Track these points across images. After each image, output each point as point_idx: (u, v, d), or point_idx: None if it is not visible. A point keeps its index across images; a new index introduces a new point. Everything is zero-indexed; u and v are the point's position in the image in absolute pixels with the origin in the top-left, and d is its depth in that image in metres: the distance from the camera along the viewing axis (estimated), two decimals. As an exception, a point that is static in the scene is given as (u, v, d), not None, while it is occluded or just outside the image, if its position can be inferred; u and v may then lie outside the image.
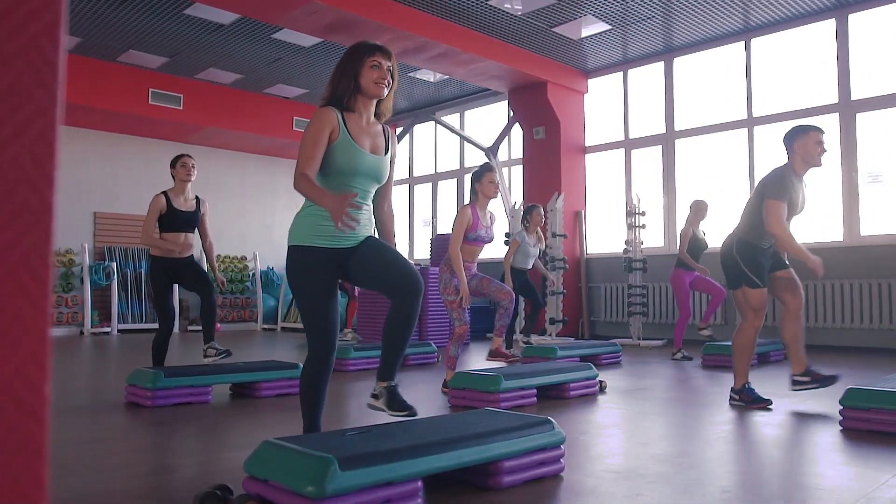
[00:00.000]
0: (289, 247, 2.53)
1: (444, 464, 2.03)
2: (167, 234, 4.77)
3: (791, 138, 3.98)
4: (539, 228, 6.92)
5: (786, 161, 4.00)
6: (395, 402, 2.42)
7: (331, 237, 2.46)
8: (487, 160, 4.79)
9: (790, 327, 4.01)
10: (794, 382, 4.03)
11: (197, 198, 4.94)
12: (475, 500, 2.15)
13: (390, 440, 2.02)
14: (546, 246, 7.25)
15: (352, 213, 2.49)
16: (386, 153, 2.62)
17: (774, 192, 3.86)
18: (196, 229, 4.92)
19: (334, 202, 2.27)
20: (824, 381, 3.94)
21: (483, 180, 4.58)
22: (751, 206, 4.03)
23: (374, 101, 2.59)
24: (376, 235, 2.69)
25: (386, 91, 2.55)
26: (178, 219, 4.78)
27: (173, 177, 4.87)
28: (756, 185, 4.07)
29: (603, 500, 2.15)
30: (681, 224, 9.34)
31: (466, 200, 4.70)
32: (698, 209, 6.72)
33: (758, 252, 3.96)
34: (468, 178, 11.91)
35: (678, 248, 6.75)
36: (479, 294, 4.57)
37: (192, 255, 4.90)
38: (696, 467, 2.58)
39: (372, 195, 2.64)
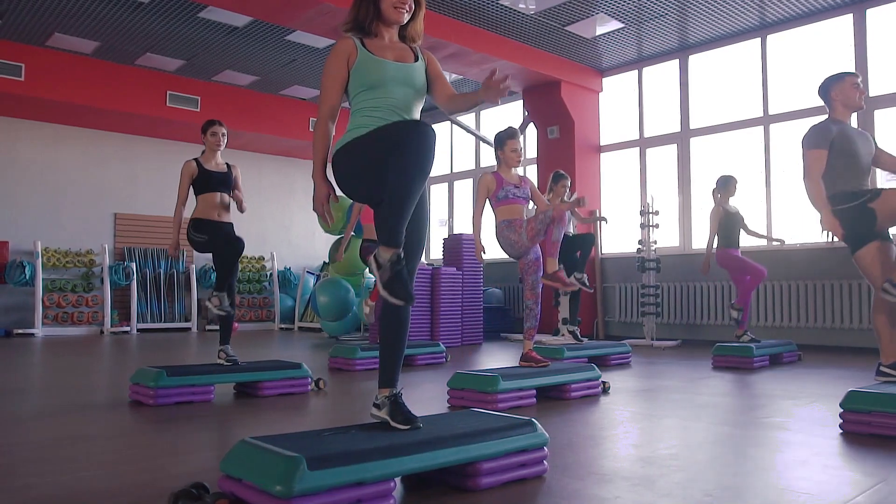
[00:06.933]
0: (333, 159, 2.46)
1: (417, 465, 2.03)
2: (203, 196, 4.82)
3: (826, 89, 3.90)
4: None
5: (827, 116, 3.91)
6: (400, 414, 2.32)
7: (379, 119, 2.40)
8: (512, 126, 4.65)
9: (879, 313, 3.78)
10: (880, 373, 3.81)
11: (227, 164, 4.98)
12: (452, 501, 2.15)
13: (365, 440, 2.02)
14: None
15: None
16: (416, 61, 2.57)
17: (809, 142, 3.82)
18: (231, 193, 4.95)
19: (321, 192, 2.42)
20: None
21: (505, 148, 4.43)
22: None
23: (396, 28, 2.58)
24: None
25: (406, 17, 2.54)
26: (211, 179, 4.82)
27: (204, 143, 4.93)
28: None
29: (582, 503, 2.14)
30: (695, 223, 9.28)
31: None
32: (728, 185, 6.57)
33: (846, 201, 3.78)
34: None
35: (710, 229, 6.58)
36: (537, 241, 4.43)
37: (232, 224, 4.91)
38: (684, 470, 2.55)
39: (418, 107, 2.55)
